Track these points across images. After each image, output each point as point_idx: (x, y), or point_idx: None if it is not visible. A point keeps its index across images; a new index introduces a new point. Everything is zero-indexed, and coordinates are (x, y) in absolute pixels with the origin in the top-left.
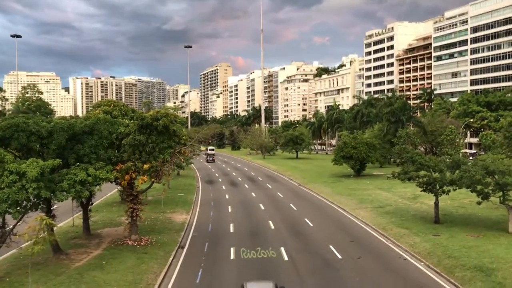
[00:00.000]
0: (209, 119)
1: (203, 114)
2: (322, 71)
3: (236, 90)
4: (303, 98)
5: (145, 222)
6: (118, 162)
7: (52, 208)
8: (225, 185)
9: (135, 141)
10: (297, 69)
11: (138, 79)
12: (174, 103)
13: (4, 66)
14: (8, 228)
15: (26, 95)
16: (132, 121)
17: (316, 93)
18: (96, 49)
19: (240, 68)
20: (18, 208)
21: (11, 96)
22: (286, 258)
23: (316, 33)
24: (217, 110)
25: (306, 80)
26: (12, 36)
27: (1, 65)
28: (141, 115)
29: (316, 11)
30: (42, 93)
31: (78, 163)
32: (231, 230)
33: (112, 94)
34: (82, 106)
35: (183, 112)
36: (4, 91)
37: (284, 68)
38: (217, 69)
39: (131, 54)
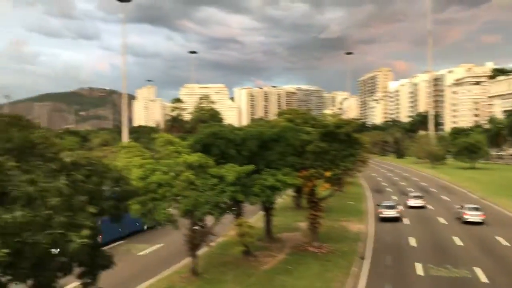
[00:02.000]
0: (368, 125)
1: (362, 120)
2: (497, 73)
3: (397, 95)
4: (474, 103)
5: (322, 229)
6: (300, 169)
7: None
8: (396, 195)
9: (317, 148)
10: (467, 71)
11: (298, 87)
12: (332, 110)
13: (180, 80)
14: (207, 228)
15: (201, 105)
16: (313, 128)
17: (490, 97)
18: (257, 61)
19: (400, 73)
20: (218, 209)
21: (187, 106)
22: (484, 280)
23: (484, 32)
24: (377, 116)
25: (477, 83)
26: (190, 52)
27: (178, 79)
28: (323, 122)
29: (485, 9)
30: (214, 102)
31: (267, 169)
32: (412, 244)
33: (273, 103)
34: (246, 115)
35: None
36: (183, 102)
37: (451, 71)
38: (376, 75)
39: (289, 63)
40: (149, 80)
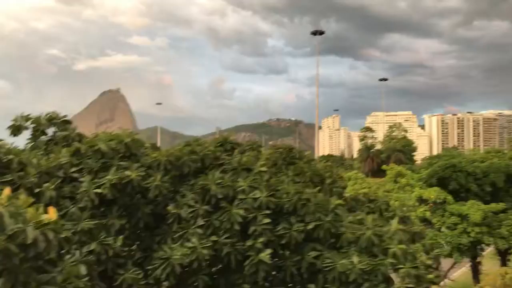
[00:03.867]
0: None
1: None
2: None
3: None
4: None
5: None
6: None
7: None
8: None
9: None
10: None
11: (499, 113)
12: None
13: (364, 108)
14: (442, 271)
15: (392, 133)
16: None
17: None
18: (448, 86)
19: None
20: (458, 252)
21: (376, 135)
22: None
23: None
24: None
25: None
26: (380, 80)
27: (361, 108)
28: None
29: None
30: (406, 131)
31: None
32: None
33: (468, 131)
34: (438, 144)
35: None
36: (374, 131)
37: None
38: None
39: (486, 87)
40: (335, 110)
